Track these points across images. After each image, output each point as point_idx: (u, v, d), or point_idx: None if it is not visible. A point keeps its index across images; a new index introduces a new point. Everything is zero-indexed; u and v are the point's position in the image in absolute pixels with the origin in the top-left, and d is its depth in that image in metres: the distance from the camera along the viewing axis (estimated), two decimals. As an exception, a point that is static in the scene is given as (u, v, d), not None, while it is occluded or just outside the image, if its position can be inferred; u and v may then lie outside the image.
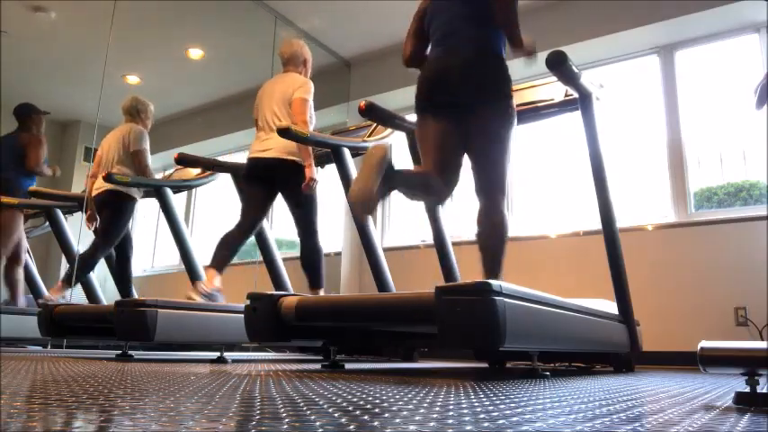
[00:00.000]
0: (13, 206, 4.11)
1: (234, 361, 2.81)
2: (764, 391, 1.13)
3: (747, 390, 1.13)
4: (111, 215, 3.65)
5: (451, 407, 0.96)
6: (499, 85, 2.11)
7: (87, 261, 3.65)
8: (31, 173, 4.23)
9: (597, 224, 2.69)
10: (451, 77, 2.11)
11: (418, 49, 2.34)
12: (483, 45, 2.12)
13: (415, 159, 3.08)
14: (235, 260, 3.05)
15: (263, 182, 3.07)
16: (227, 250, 2.97)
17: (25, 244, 4.36)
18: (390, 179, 1.82)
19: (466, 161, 2.21)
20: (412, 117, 3.08)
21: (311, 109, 3.11)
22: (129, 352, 2.99)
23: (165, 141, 5.32)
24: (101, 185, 3.62)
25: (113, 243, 3.71)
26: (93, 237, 3.79)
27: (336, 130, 3.75)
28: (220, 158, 3.90)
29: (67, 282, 3.54)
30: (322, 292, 3.05)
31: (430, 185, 2.12)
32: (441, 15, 2.22)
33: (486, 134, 2.11)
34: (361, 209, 1.76)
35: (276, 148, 2.99)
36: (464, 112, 2.12)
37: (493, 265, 2.01)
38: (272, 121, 3.02)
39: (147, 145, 3.71)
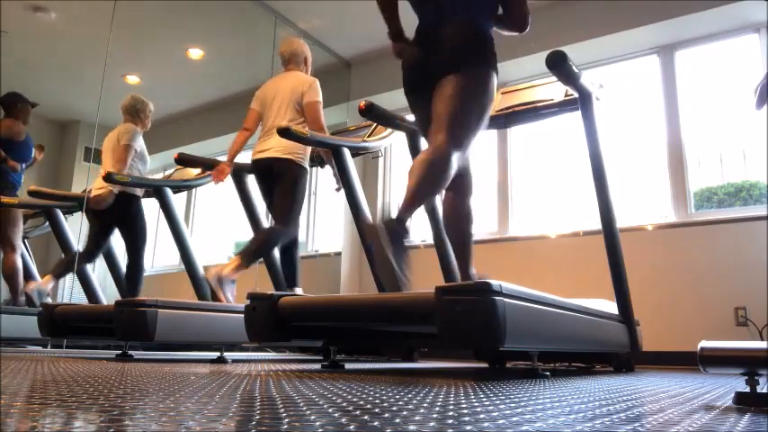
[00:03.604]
0: (13, 206, 4.10)
1: (234, 361, 2.81)
2: (764, 391, 1.13)
3: (747, 390, 1.12)
4: (129, 220, 3.70)
5: (451, 407, 0.96)
6: (479, 54, 2.06)
7: (133, 276, 3.72)
8: None
9: (597, 224, 2.69)
10: (432, 60, 2.10)
11: None
12: (469, 20, 2.09)
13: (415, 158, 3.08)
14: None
15: (266, 182, 3.10)
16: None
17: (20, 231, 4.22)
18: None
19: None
20: (412, 117, 3.09)
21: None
22: (129, 352, 2.98)
23: (165, 141, 5.32)
24: (101, 185, 3.61)
25: (145, 243, 3.77)
26: (89, 239, 3.80)
27: (336, 130, 3.75)
28: (220, 158, 3.89)
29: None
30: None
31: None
32: None
33: (452, 84, 2.03)
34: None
35: (274, 147, 3.01)
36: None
37: (411, 197, 1.89)
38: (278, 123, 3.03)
39: (135, 143, 3.71)
